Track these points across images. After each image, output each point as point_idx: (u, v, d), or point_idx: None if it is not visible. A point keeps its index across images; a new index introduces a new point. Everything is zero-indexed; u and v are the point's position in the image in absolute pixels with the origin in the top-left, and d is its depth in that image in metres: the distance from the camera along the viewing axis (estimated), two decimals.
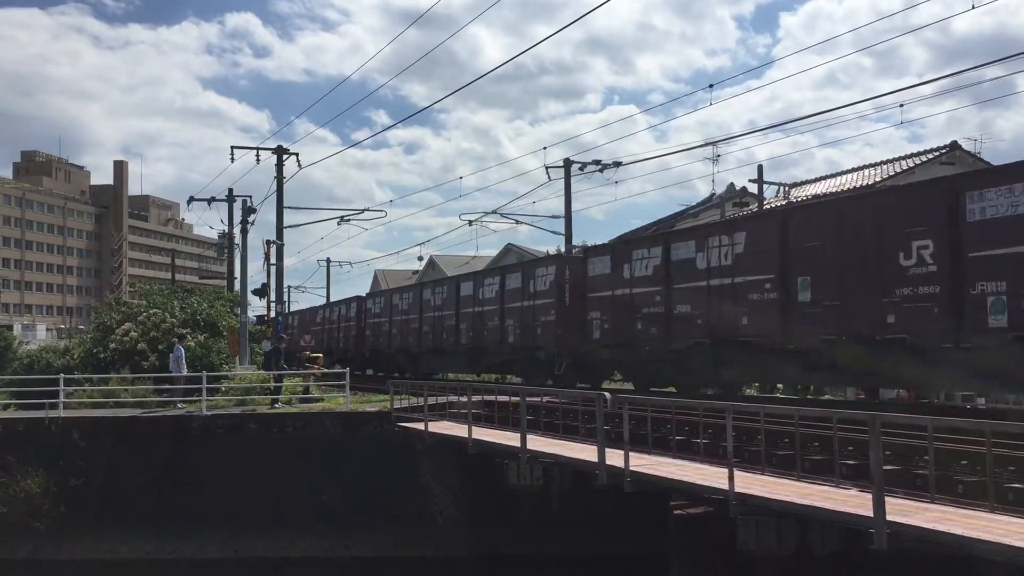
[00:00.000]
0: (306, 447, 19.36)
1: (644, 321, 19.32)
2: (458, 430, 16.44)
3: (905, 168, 31.30)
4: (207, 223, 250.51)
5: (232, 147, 33.10)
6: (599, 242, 36.72)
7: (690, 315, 18.05)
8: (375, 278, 79.01)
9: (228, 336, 28.77)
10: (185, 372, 22.54)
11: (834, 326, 14.80)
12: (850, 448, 10.93)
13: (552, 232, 44.06)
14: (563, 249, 34.23)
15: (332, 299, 60.07)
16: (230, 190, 36.67)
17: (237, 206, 34.93)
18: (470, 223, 39.12)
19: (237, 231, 34.36)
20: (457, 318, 28.41)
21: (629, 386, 22.52)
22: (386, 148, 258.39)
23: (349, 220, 38.15)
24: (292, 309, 59.99)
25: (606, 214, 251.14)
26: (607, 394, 12.16)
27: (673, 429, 12.96)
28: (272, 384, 22.42)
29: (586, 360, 22.13)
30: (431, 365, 32.14)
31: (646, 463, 11.41)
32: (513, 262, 41.26)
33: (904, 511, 8.08)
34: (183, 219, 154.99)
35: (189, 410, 20.93)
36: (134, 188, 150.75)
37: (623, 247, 21.17)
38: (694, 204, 38.86)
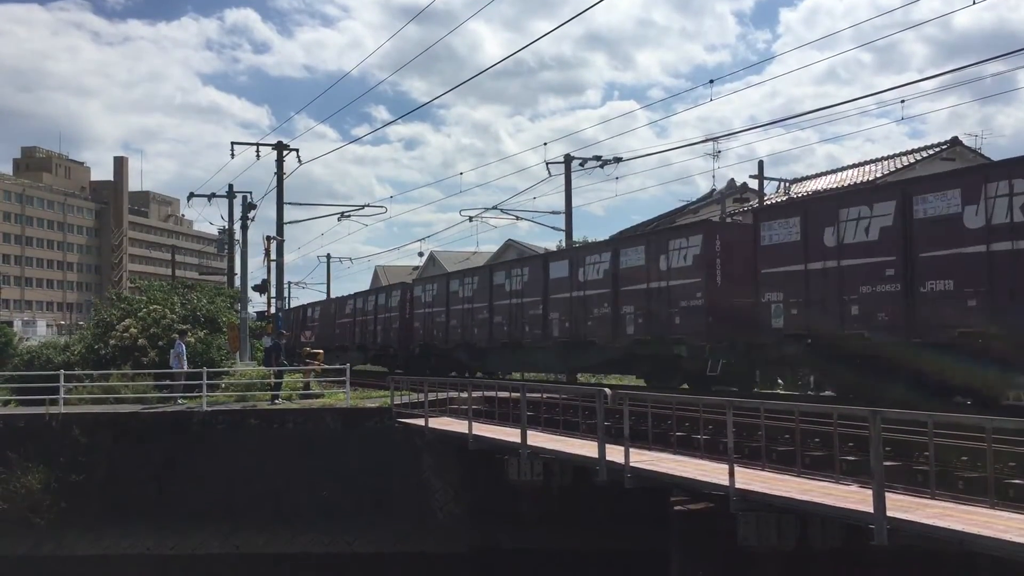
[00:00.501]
0: (306, 443, 19.37)
1: (863, 304, 14.58)
2: (458, 426, 16.45)
3: (906, 164, 31.28)
4: (207, 219, 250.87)
5: (232, 143, 33.02)
6: (599, 238, 36.70)
7: (954, 295, 13.19)
8: (375, 274, 79.06)
9: (228, 332, 28.79)
10: (186, 368, 22.52)
11: None
12: (850, 444, 10.94)
13: (552, 228, 44.21)
14: (564, 244, 34.18)
15: (332, 295, 59.93)
16: (230, 186, 36.72)
17: (237, 202, 35.00)
18: (470, 219, 39.11)
19: (237, 227, 34.41)
20: (545, 305, 23.45)
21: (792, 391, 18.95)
22: (386, 144, 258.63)
23: (349, 216, 38.21)
24: (310, 300, 59.11)
25: (606, 210, 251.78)
26: (607, 390, 12.16)
27: (674, 425, 12.97)
28: (272, 380, 22.43)
29: (759, 357, 17.70)
30: (505, 363, 27.49)
31: (646, 459, 11.42)
32: (514, 258, 39.41)
33: (904, 507, 8.08)
34: (183, 215, 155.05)
35: (189, 406, 20.93)
36: (134, 184, 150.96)
37: (823, 205, 16.31)
38: (695, 200, 38.92)
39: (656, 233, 21.90)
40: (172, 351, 22.99)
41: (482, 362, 28.14)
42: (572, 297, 22.25)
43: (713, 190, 37.43)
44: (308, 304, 53.92)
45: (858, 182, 30.61)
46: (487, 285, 26.86)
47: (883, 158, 34.22)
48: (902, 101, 25.20)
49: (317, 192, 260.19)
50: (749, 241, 17.16)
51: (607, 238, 30.71)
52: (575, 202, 36.22)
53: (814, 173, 37.93)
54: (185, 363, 22.63)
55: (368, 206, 38.11)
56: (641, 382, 22.63)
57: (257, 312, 37.69)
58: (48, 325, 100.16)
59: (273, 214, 32.48)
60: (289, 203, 33.02)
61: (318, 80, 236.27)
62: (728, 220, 28.53)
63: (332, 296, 57.95)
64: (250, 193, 33.24)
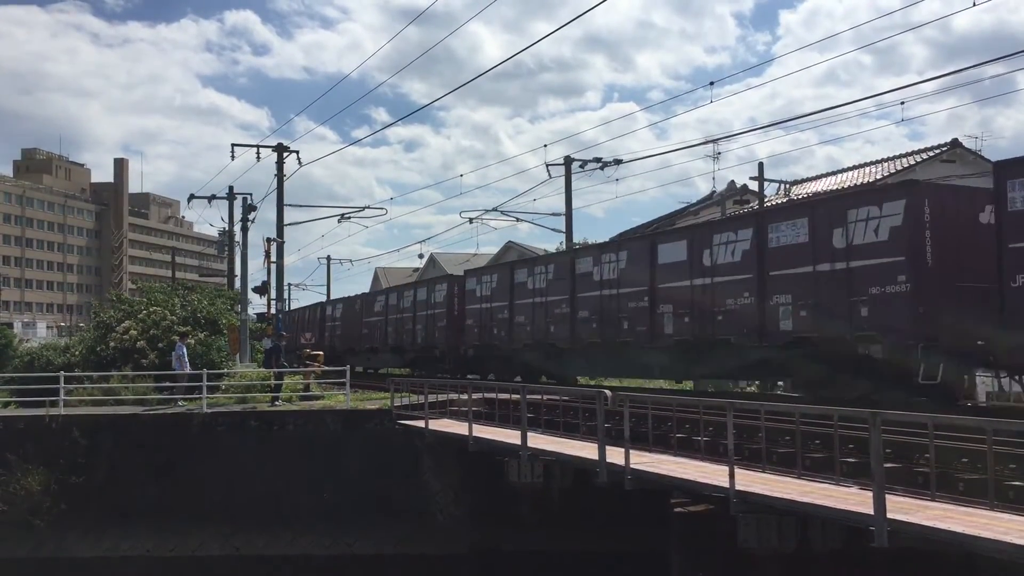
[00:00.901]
0: (307, 445, 19.38)
1: None
2: (459, 428, 16.44)
3: (907, 166, 31.30)
4: (207, 221, 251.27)
5: (232, 145, 33.00)
6: (600, 240, 36.57)
7: None
8: (375, 276, 79.08)
9: (228, 334, 28.78)
10: (188, 370, 22.48)
11: None
12: (851, 446, 10.93)
13: (553, 230, 44.16)
14: (564, 246, 34.10)
15: (332, 296, 59.81)
16: (230, 188, 36.70)
17: (237, 204, 34.96)
18: (471, 221, 39.10)
19: (237, 229, 34.39)
20: (652, 297, 19.11)
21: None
22: (386, 146, 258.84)
23: (349, 218, 38.22)
24: (333, 296, 56.72)
25: (606, 212, 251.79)
26: (607, 391, 12.16)
27: (674, 427, 12.97)
28: (272, 382, 22.43)
29: (1010, 361, 13.36)
30: (595, 367, 23.93)
31: (647, 461, 11.41)
32: (515, 259, 36.84)
33: (905, 509, 8.08)
34: (183, 217, 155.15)
35: (189, 408, 20.93)
36: (134, 186, 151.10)
37: None
38: (695, 202, 38.94)
39: (828, 202, 17.30)
40: (173, 353, 22.97)
41: (562, 365, 24.04)
42: (693, 286, 18.07)
43: (713, 192, 37.46)
44: (327, 302, 48.76)
45: (859, 183, 30.62)
46: (567, 274, 22.57)
47: (883, 160, 34.25)
48: (902, 103, 25.13)
49: (317, 194, 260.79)
50: (976, 206, 13.62)
51: (747, 211, 24.83)
52: (575, 204, 36.23)
53: (815, 175, 37.98)
54: (187, 365, 22.61)
55: (368, 208, 38.16)
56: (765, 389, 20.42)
57: (257, 314, 37.69)
58: (48, 327, 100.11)
59: (273, 216, 32.52)
60: (289, 205, 33.14)
61: (318, 82, 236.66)
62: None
63: (353, 295, 52.92)
64: (250, 195, 33.20)
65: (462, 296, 28.93)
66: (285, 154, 31.72)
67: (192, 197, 38.09)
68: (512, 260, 31.73)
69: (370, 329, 37.49)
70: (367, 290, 56.66)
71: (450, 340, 29.29)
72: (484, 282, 27.33)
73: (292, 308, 56.73)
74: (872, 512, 7.77)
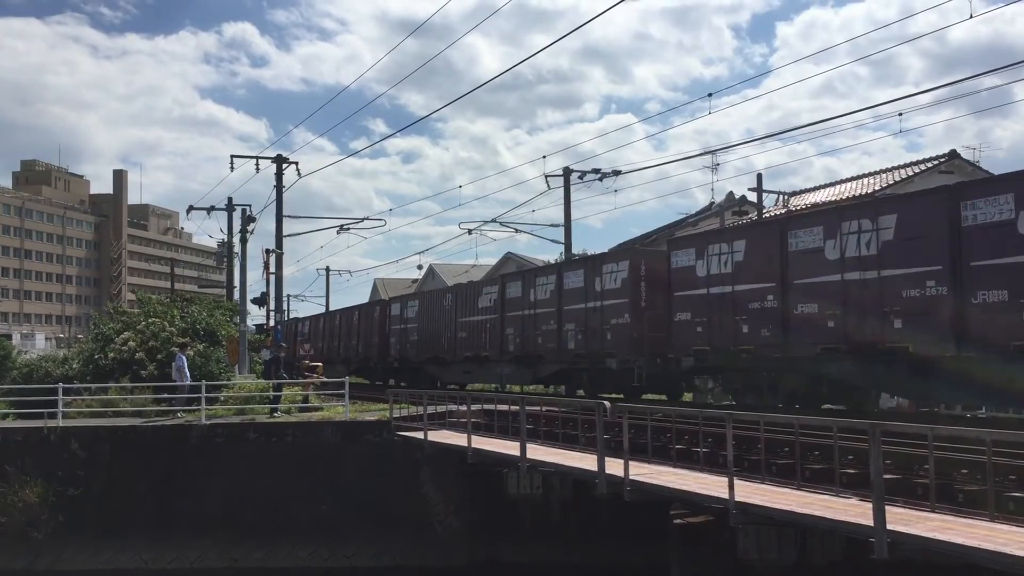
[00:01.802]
0: (305, 456, 19.33)
1: None
2: (458, 439, 16.43)
3: (904, 177, 31.35)
4: (207, 232, 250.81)
5: (232, 156, 33.12)
6: (599, 252, 36.48)
7: None
8: (374, 287, 79.15)
9: (227, 345, 28.78)
10: (189, 381, 22.42)
11: None
12: (850, 457, 10.94)
13: (552, 241, 44.21)
14: (563, 258, 34.12)
15: (332, 308, 59.59)
16: (229, 199, 36.83)
17: (236, 215, 35.06)
18: (469, 232, 39.14)
19: (236, 240, 34.46)
20: None
21: None
22: (384, 157, 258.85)
23: (348, 229, 38.30)
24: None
25: (605, 223, 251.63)
26: (606, 403, 12.16)
27: (673, 438, 12.96)
28: (271, 393, 22.40)
29: None
30: None
31: (646, 472, 11.40)
32: (514, 271, 36.37)
33: (904, 520, 8.08)
34: (182, 228, 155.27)
35: (188, 419, 20.88)
36: (133, 197, 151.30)
37: None
38: (693, 212, 39.01)
39: None
40: (174, 364, 22.90)
41: (931, 385, 14.49)
42: None
43: (712, 203, 37.55)
44: (391, 299, 38.26)
45: (857, 195, 30.68)
46: (935, 229, 13.51)
47: (881, 171, 34.32)
48: (899, 114, 24.66)
49: (316, 205, 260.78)
50: None
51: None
52: (574, 215, 36.24)
53: (812, 186, 38.07)
54: (188, 376, 22.53)
55: (367, 219, 38.31)
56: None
57: (256, 325, 37.72)
58: (47, 338, 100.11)
59: (272, 227, 32.68)
60: (288, 216, 33.12)
61: (316, 93, 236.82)
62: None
63: (440, 288, 41.33)
64: (249, 206, 33.39)
65: (659, 278, 19.70)
66: (284, 165, 31.81)
67: (191, 208, 38.25)
68: (780, 216, 20.44)
69: (471, 332, 28.11)
70: (366, 301, 56.53)
71: (639, 344, 19.97)
72: (712, 255, 18.18)
73: (302, 316, 56.57)
74: (872, 523, 7.77)
